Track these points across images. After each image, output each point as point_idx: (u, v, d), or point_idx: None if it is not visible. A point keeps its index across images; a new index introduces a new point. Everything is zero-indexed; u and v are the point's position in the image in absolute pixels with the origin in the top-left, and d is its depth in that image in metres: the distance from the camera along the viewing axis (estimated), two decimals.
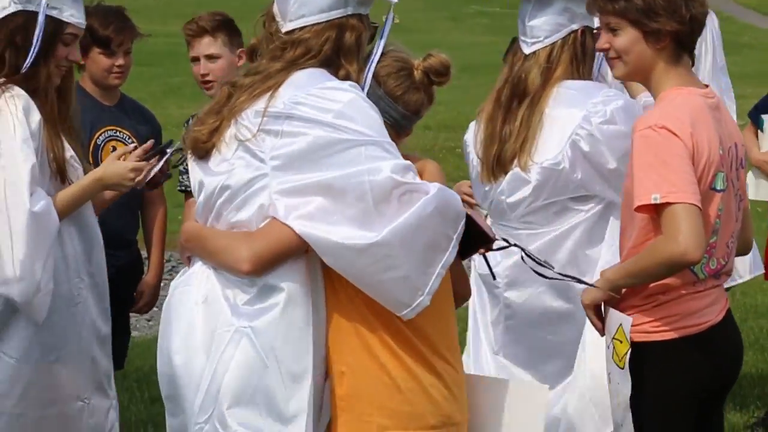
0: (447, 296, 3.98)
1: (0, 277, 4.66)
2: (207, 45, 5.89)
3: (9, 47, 4.73)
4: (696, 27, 4.12)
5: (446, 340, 3.97)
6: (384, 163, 3.77)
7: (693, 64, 4.22)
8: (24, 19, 4.73)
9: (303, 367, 3.82)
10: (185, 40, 6.07)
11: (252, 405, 3.81)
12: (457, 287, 4.02)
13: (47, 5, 4.71)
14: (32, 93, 4.72)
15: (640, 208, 3.97)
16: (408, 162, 3.85)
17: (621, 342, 4.12)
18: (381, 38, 4.09)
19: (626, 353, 4.11)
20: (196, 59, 5.92)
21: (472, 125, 5.14)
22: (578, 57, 4.93)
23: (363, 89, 3.94)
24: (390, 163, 3.78)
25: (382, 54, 4.05)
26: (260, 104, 3.85)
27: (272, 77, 3.88)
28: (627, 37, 4.12)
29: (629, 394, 4.12)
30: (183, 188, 5.82)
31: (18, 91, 4.67)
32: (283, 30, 3.93)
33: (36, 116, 4.68)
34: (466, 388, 4.07)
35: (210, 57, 5.89)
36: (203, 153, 3.95)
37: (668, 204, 3.90)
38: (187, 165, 4.19)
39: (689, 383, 4.15)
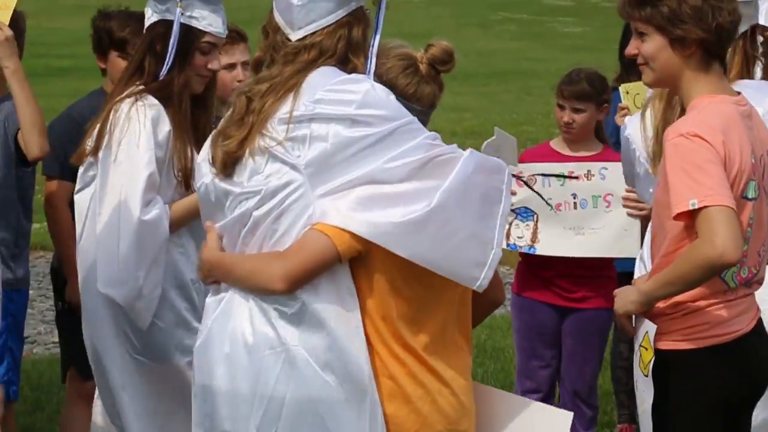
0: (463, 303, 3.96)
1: (107, 277, 4.79)
2: (244, 52, 5.90)
3: (149, 55, 4.87)
4: (724, 35, 4.06)
5: (457, 348, 3.95)
6: (415, 141, 3.79)
7: (725, 72, 4.18)
8: (164, 28, 4.84)
9: (361, 378, 3.80)
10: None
11: (317, 422, 3.80)
12: (489, 292, 3.96)
13: (182, 14, 4.81)
14: (166, 101, 4.83)
15: (679, 216, 3.92)
16: (435, 132, 3.87)
17: (646, 349, 4.19)
18: (377, 29, 4.06)
19: (650, 361, 4.14)
20: (231, 66, 5.87)
21: (633, 120, 5.07)
22: (748, 56, 4.94)
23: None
24: (420, 137, 3.80)
25: (382, 54, 4.04)
26: (284, 109, 3.82)
27: (292, 78, 3.86)
28: (654, 44, 4.08)
29: (652, 402, 4.16)
30: None
31: (151, 100, 4.79)
32: (294, 39, 3.90)
33: (165, 127, 4.81)
34: (489, 402, 4.10)
35: (246, 63, 5.86)
36: (231, 167, 3.89)
37: (703, 208, 3.85)
38: None
39: (718, 392, 4.11)
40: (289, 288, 3.76)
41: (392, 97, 3.85)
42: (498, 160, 3.90)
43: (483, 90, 18.57)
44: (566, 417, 4.15)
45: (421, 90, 4.09)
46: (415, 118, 3.86)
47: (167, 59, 4.81)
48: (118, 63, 5.81)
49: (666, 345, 4.12)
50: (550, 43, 23.88)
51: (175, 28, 4.81)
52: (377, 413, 3.79)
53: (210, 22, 4.89)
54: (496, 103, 16.79)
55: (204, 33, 4.89)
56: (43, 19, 22.68)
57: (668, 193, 3.99)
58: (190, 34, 4.86)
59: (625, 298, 4.10)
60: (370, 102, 3.79)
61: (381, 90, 3.84)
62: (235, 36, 5.87)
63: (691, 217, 3.91)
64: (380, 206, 3.76)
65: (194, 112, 4.92)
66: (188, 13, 4.85)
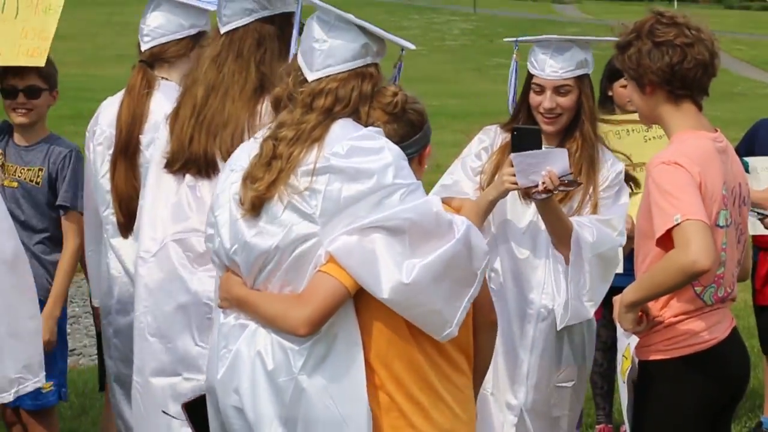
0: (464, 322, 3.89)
1: None
2: None
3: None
4: (682, 75, 4.05)
5: (454, 366, 3.89)
6: (418, 203, 3.71)
7: (700, 109, 4.14)
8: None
9: (358, 394, 3.74)
10: None
11: None
12: (481, 314, 3.93)
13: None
14: None
15: (667, 233, 3.88)
16: (437, 198, 3.80)
17: (626, 359, 4.13)
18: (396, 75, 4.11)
19: (628, 370, 4.11)
20: None
21: None
22: None
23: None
24: (424, 202, 3.73)
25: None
26: (309, 160, 3.76)
27: (316, 128, 3.80)
28: (630, 87, 4.17)
29: (627, 407, 4.15)
30: None
31: None
32: (309, 79, 3.85)
33: None
34: None
35: None
36: (259, 208, 3.82)
37: (680, 223, 3.84)
38: None
39: (699, 398, 4.08)
40: (311, 332, 3.72)
41: (401, 156, 3.77)
42: (485, 247, 3.78)
43: (479, 128, 18.55)
44: None
45: (385, 133, 3.87)
46: (419, 182, 3.78)
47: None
48: None
49: (648, 356, 4.10)
50: None
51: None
52: (369, 427, 3.74)
53: None
54: (468, 140, 16.82)
55: None
56: (89, 67, 22.80)
57: (649, 217, 3.98)
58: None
59: (621, 317, 4.05)
60: (382, 162, 3.71)
61: (394, 149, 3.77)
62: None
63: (671, 240, 3.88)
64: (364, 262, 3.67)
65: None
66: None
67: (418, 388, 3.78)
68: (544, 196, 4.64)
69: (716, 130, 4.16)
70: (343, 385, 3.72)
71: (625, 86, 5.97)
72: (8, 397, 4.17)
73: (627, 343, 4.11)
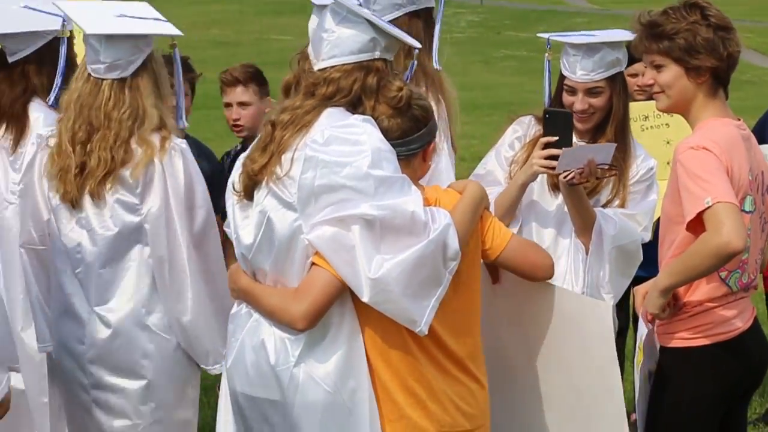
0: (471, 307, 3.92)
1: None
2: (240, 93, 6.05)
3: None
4: (732, 63, 4.10)
5: (466, 348, 3.91)
6: (397, 200, 3.72)
7: (727, 98, 4.22)
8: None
9: (357, 385, 3.79)
10: (219, 87, 6.19)
11: (324, 425, 3.80)
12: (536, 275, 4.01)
13: None
14: None
15: (698, 216, 3.92)
16: (417, 196, 3.76)
17: (640, 350, 4.20)
18: (410, 70, 4.19)
19: (641, 362, 4.17)
20: (229, 105, 6.07)
21: None
22: None
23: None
24: (403, 199, 3.73)
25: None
26: (294, 145, 3.78)
27: (309, 113, 3.83)
28: (670, 74, 4.13)
29: (639, 396, 4.18)
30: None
31: None
32: (316, 68, 3.91)
33: None
34: (550, 299, 4.04)
35: (242, 104, 6.06)
36: (251, 191, 3.87)
37: (711, 206, 3.88)
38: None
39: (722, 384, 4.15)
40: (309, 326, 3.75)
41: (387, 147, 3.76)
42: (457, 247, 3.77)
43: (487, 120, 18.56)
44: (607, 307, 4.03)
45: (384, 126, 3.91)
46: (404, 176, 3.76)
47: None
48: None
49: (673, 343, 4.11)
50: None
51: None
52: (375, 417, 3.76)
53: None
54: (500, 131, 16.89)
55: None
56: None
57: (677, 202, 3.99)
58: None
59: (651, 302, 4.05)
60: (360, 148, 3.72)
61: (378, 141, 3.75)
62: (231, 79, 6.04)
63: (701, 224, 3.88)
64: (340, 253, 3.71)
65: None
66: None
67: (415, 379, 3.78)
68: (575, 182, 4.66)
69: (739, 119, 4.18)
70: (344, 372, 3.75)
71: (634, 75, 5.92)
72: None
73: (643, 335, 4.14)
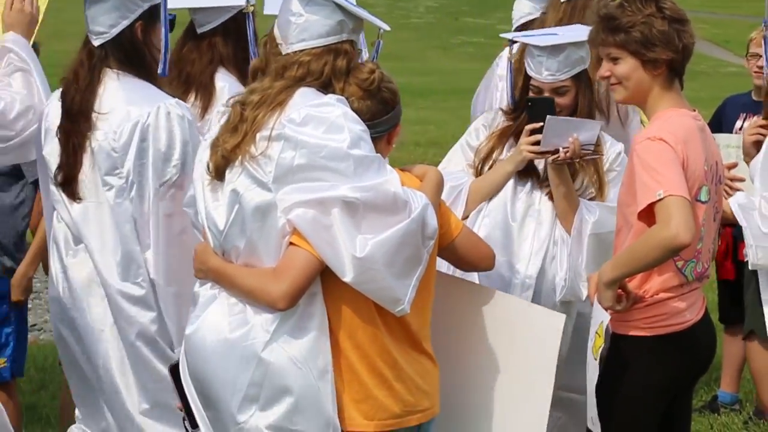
0: (429, 286, 3.90)
1: None
2: None
3: None
4: (687, 55, 4.12)
5: (424, 330, 3.91)
6: (378, 180, 3.71)
7: (682, 88, 4.21)
8: None
9: (325, 365, 3.77)
10: None
11: (290, 403, 3.77)
12: (479, 264, 4.07)
13: None
14: None
15: (648, 207, 3.92)
16: (395, 176, 3.76)
17: (599, 336, 4.11)
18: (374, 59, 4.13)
19: (600, 348, 4.10)
20: None
21: None
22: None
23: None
24: (384, 178, 3.72)
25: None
26: (269, 124, 3.76)
27: (281, 93, 3.80)
28: (627, 66, 4.11)
29: (597, 382, 4.13)
30: None
31: None
32: (284, 52, 3.87)
33: None
34: (488, 302, 4.05)
35: None
36: (222, 172, 3.83)
37: (663, 198, 3.88)
38: None
39: (670, 374, 4.16)
40: (290, 305, 3.73)
41: (361, 127, 3.76)
42: (435, 225, 3.79)
43: (444, 105, 18.63)
44: (560, 318, 4.07)
45: (354, 108, 3.86)
46: (379, 156, 3.78)
47: None
48: None
49: (625, 331, 4.13)
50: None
51: None
52: (334, 398, 3.77)
53: None
54: (456, 117, 16.65)
55: None
56: (54, 43, 22.58)
57: (632, 192, 4.01)
58: None
59: (601, 295, 4.07)
60: (338, 128, 3.71)
61: (354, 119, 3.76)
62: None
63: (652, 214, 3.92)
64: (321, 234, 3.69)
65: None
66: None
67: (382, 360, 3.79)
68: (559, 160, 4.70)
69: (694, 110, 4.21)
70: (314, 352, 3.74)
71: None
72: None
73: (601, 321, 4.10)
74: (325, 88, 3.83)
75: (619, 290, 4.07)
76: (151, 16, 4.42)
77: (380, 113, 3.90)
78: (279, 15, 3.94)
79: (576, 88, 4.90)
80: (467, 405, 4.10)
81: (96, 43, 4.42)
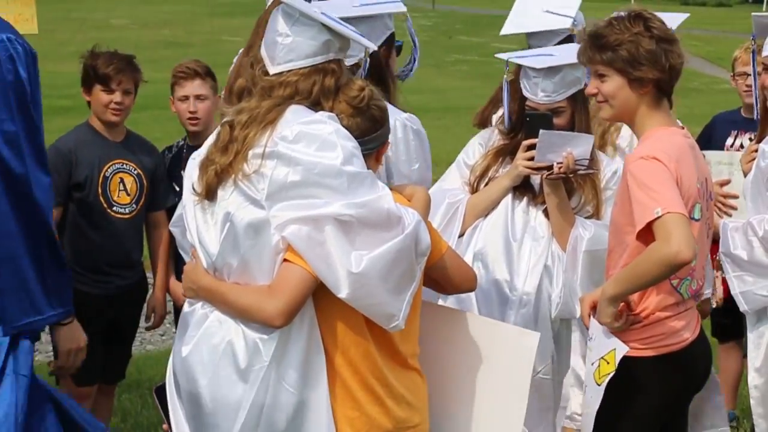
0: (418, 302, 3.91)
1: None
2: (198, 86, 6.00)
3: None
4: (674, 74, 4.12)
5: (410, 347, 3.91)
6: (371, 197, 3.70)
7: (671, 107, 4.22)
8: None
9: (321, 384, 3.77)
10: (173, 81, 6.12)
11: (285, 424, 3.76)
12: (460, 286, 4.07)
13: None
14: None
15: (647, 226, 3.90)
16: (387, 192, 3.76)
17: (608, 363, 4.08)
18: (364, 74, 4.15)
19: (608, 375, 4.07)
20: (185, 98, 5.99)
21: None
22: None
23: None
24: (376, 195, 3.72)
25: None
26: (261, 142, 3.75)
27: (270, 111, 3.78)
28: (613, 84, 4.11)
29: (596, 410, 4.11)
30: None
31: None
32: (271, 72, 3.86)
33: None
34: (456, 324, 4.06)
35: (199, 97, 5.99)
36: (214, 192, 3.82)
37: (661, 216, 3.87)
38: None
39: (668, 394, 4.16)
40: (286, 322, 3.71)
41: (353, 144, 3.76)
42: (429, 241, 3.80)
43: (438, 123, 18.63)
44: (533, 337, 4.07)
45: (343, 125, 3.87)
46: (371, 172, 3.78)
47: None
48: (100, 97, 5.83)
49: (628, 352, 4.09)
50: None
51: None
52: (330, 420, 3.76)
53: None
54: (450, 135, 16.85)
55: None
56: (48, 63, 22.63)
57: (626, 212, 4.00)
58: None
59: (601, 312, 4.07)
60: (331, 145, 3.71)
61: (345, 136, 3.76)
62: (189, 71, 5.98)
63: (650, 233, 3.91)
64: (315, 250, 3.68)
65: None
66: None
67: (374, 377, 3.79)
68: (554, 177, 4.71)
69: (683, 127, 4.21)
70: (305, 370, 3.72)
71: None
72: None
73: (614, 349, 4.07)
74: (314, 106, 3.83)
75: (621, 307, 4.06)
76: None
77: (369, 130, 3.91)
78: (265, 35, 3.93)
79: (572, 108, 4.91)
80: (446, 424, 4.10)
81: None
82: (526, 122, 4.86)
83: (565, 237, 4.88)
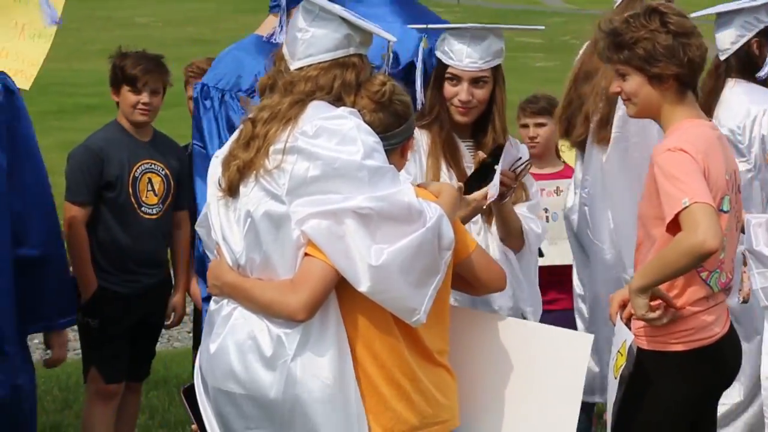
0: (442, 301, 3.90)
1: None
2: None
3: None
4: (694, 67, 4.12)
5: (437, 343, 3.91)
6: (392, 190, 3.72)
7: (697, 99, 4.21)
8: None
9: (349, 379, 3.79)
10: (185, 80, 6.23)
11: (315, 419, 3.78)
12: (490, 286, 4.07)
13: None
14: None
15: (676, 217, 3.91)
16: (408, 186, 3.77)
17: (621, 355, 4.11)
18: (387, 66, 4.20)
19: (621, 367, 4.10)
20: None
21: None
22: None
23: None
24: (397, 188, 3.73)
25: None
26: (282, 138, 3.77)
27: (292, 107, 3.81)
28: (634, 82, 4.12)
29: (613, 402, 4.14)
30: None
31: None
32: (292, 68, 3.89)
33: None
34: (509, 332, 4.05)
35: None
36: (237, 188, 3.85)
37: (687, 207, 3.89)
38: None
39: (697, 388, 4.18)
40: (309, 317, 3.73)
41: (374, 139, 3.76)
42: (452, 236, 3.79)
43: None
44: (587, 339, 4.05)
45: (366, 120, 3.89)
46: (393, 167, 3.78)
47: None
48: (128, 97, 5.85)
49: (652, 346, 4.12)
50: (523, 76, 23.98)
51: None
52: (361, 411, 3.77)
53: None
54: None
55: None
56: (73, 62, 22.72)
57: (654, 204, 4.01)
58: None
59: (635, 305, 4.06)
60: (351, 140, 3.72)
61: (364, 132, 3.77)
62: (200, 71, 6.03)
63: (679, 225, 3.91)
64: (334, 244, 3.70)
65: None
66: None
67: (401, 371, 3.79)
68: (506, 197, 4.56)
69: (710, 119, 4.25)
70: (337, 364, 3.74)
71: None
72: None
73: (624, 340, 4.08)
74: (336, 101, 3.85)
75: (657, 301, 4.05)
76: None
77: (393, 125, 3.90)
78: (288, 32, 3.96)
79: (494, 81, 4.79)
80: (497, 427, 4.09)
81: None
82: (498, 155, 4.59)
83: (515, 240, 4.73)
